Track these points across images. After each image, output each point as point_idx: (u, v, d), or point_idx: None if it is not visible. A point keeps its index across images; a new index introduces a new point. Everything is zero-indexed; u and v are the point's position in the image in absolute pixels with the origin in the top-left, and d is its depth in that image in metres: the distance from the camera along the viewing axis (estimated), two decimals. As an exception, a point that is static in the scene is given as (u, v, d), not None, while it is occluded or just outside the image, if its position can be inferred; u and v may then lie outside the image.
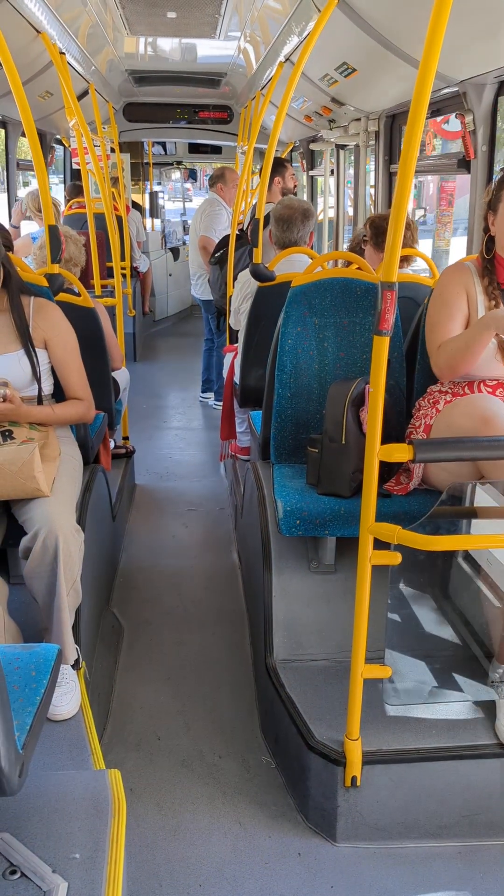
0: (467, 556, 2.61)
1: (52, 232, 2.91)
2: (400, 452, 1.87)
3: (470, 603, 2.64)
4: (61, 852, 1.51)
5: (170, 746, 2.54)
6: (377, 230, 3.55)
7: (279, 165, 5.34)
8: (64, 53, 4.24)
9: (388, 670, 2.05)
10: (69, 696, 2.25)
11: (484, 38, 2.68)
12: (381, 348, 1.81)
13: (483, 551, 2.43)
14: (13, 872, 1.45)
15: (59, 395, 2.76)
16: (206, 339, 6.66)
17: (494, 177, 3.14)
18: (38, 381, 2.63)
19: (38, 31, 3.80)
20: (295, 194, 5.48)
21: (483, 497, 2.29)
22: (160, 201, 12.01)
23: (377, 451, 1.89)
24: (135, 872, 2.02)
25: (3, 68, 2.70)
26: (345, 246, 5.78)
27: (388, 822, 2.16)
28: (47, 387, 2.70)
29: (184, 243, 10.86)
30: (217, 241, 5.75)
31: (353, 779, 2.10)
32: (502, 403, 2.22)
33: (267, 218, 4.50)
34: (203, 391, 6.85)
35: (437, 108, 3.65)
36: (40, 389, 2.65)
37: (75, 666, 2.36)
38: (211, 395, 6.71)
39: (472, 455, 2.11)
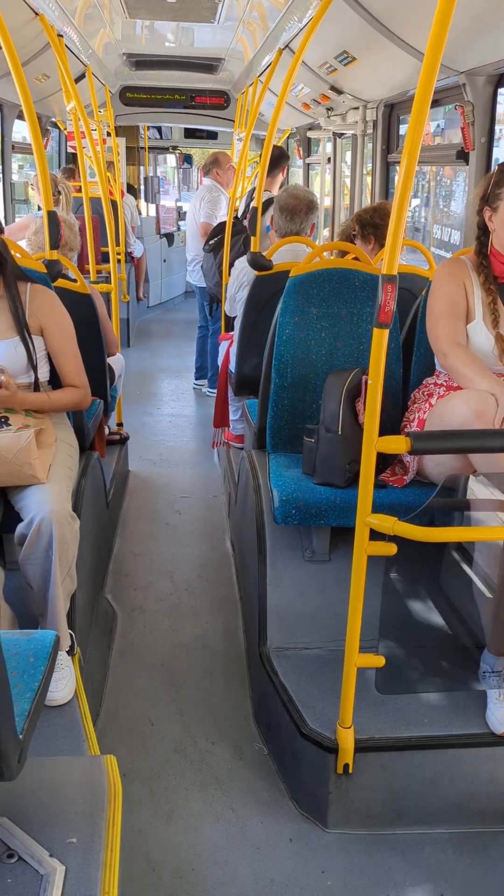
0: (459, 547, 2.63)
1: (51, 218, 2.89)
2: (397, 444, 1.88)
3: (462, 593, 2.66)
4: (58, 837, 1.52)
5: (163, 732, 2.56)
6: (363, 224, 3.58)
7: (283, 157, 5.32)
8: (62, 36, 4.20)
9: (381, 660, 2.07)
10: (64, 682, 2.26)
11: (485, 29, 2.68)
12: (381, 340, 1.82)
13: (475, 543, 2.45)
14: (10, 856, 1.47)
15: (56, 381, 2.75)
16: (201, 327, 6.65)
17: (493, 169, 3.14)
18: (35, 368, 2.62)
19: (36, 12, 3.76)
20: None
21: (477, 489, 2.31)
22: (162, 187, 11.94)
23: (375, 443, 1.90)
24: (128, 857, 2.04)
25: (3, 50, 2.67)
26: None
27: (379, 808, 2.19)
28: (43, 374, 2.70)
29: (178, 229, 10.81)
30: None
31: (346, 766, 2.13)
32: (493, 398, 2.23)
33: (265, 205, 4.49)
34: (197, 378, 6.84)
35: (437, 99, 3.64)
36: (36, 376, 2.64)
37: (70, 652, 2.37)
38: (205, 381, 6.70)
39: (468, 447, 2.13)
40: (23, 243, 3.85)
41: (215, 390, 4.75)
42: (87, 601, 2.79)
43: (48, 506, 2.26)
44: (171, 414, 6.17)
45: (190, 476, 4.86)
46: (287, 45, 4.17)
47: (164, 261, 10.43)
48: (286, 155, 5.50)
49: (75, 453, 2.71)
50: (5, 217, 5.83)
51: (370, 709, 2.24)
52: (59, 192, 5.05)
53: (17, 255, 2.73)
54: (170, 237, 10.61)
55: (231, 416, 4.50)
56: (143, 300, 9.62)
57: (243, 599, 3.24)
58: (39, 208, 5.62)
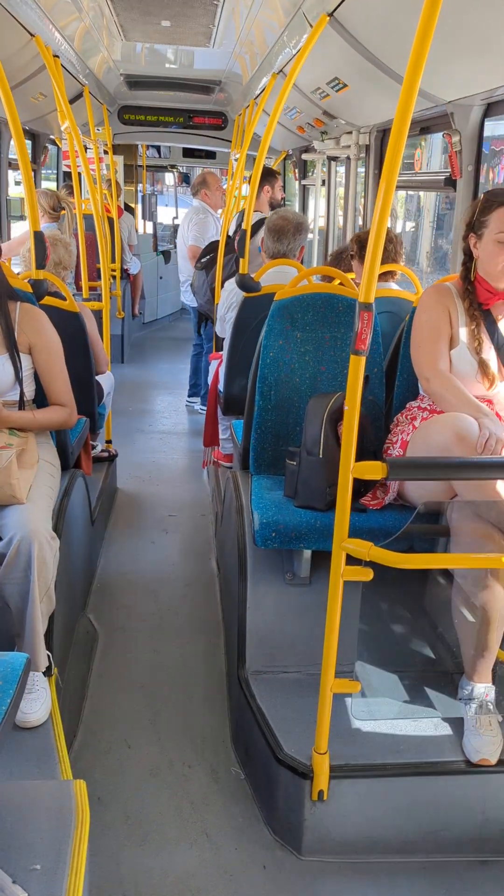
0: (442, 571, 2.63)
1: (37, 238, 2.91)
2: (373, 470, 1.89)
3: (442, 618, 2.66)
4: (22, 863, 1.51)
5: (140, 755, 2.55)
6: (361, 245, 3.61)
7: (269, 175, 5.37)
8: (58, 57, 4.24)
9: (357, 685, 2.06)
10: (39, 703, 2.25)
11: (471, 60, 2.72)
12: (358, 367, 1.83)
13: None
14: (-27, 882, 1.45)
15: (41, 399, 2.76)
16: (195, 344, 6.67)
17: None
18: (21, 385, 2.63)
19: (31, 34, 3.80)
20: (282, 205, 5.52)
21: (455, 515, 2.31)
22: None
23: (351, 468, 1.91)
24: (99, 882, 2.02)
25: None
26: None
27: (353, 836, 2.17)
28: (29, 392, 2.71)
29: (175, 247, 10.87)
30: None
31: (321, 793, 2.12)
32: (475, 423, 2.24)
33: (255, 226, 4.53)
34: (190, 395, 6.86)
35: (426, 127, 3.69)
36: (22, 394, 2.65)
37: (47, 673, 2.36)
38: (198, 399, 6.71)
39: (445, 475, 2.13)
40: (16, 259, 3.88)
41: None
42: (66, 621, 2.78)
43: (28, 525, 2.26)
44: (163, 431, 6.18)
45: (179, 494, 4.85)
46: (281, 70, 4.22)
47: (161, 278, 10.48)
48: (272, 173, 5.54)
49: (57, 472, 2.71)
50: (0, 233, 5.86)
51: (346, 734, 2.23)
52: (63, 209, 5.10)
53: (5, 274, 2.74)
54: (166, 254, 10.67)
55: (221, 435, 4.51)
56: (139, 317, 9.66)
57: (225, 621, 3.23)
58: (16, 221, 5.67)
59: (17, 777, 1.98)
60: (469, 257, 2.53)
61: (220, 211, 6.57)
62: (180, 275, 6.64)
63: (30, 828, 1.61)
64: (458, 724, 2.27)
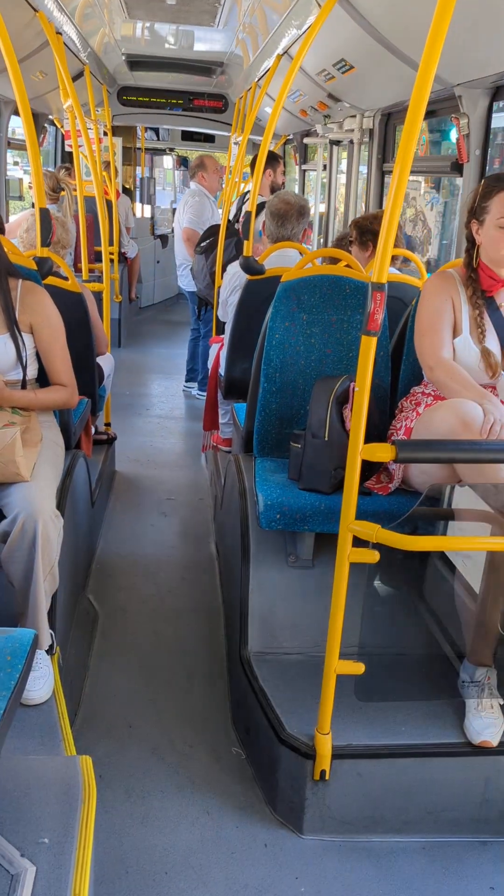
0: (443, 557, 2.64)
1: (43, 215, 2.89)
2: (382, 452, 1.89)
3: (444, 603, 2.67)
4: (30, 837, 1.51)
5: (141, 734, 2.55)
6: (362, 230, 3.60)
7: (271, 159, 5.34)
8: (60, 33, 4.19)
9: (360, 667, 2.07)
10: (42, 682, 2.25)
11: (482, 42, 2.70)
12: (369, 348, 1.82)
13: (458, 553, 2.46)
14: (-19, 856, 1.46)
15: (44, 379, 2.74)
16: (192, 329, 6.65)
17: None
18: (23, 365, 2.61)
19: (35, 9, 3.75)
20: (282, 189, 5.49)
21: (461, 499, 2.32)
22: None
23: (360, 450, 1.90)
24: (102, 858, 2.03)
25: (1, 46, 2.67)
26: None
27: (354, 816, 2.19)
28: (32, 371, 2.69)
29: (172, 231, 10.81)
30: (201, 232, 5.72)
31: (322, 773, 2.13)
32: (480, 409, 2.24)
33: (257, 209, 4.50)
34: (187, 380, 6.84)
35: (433, 110, 3.66)
36: (25, 374, 2.64)
37: (49, 651, 2.36)
38: (195, 384, 6.70)
39: (453, 457, 2.13)
40: (14, 240, 3.84)
41: (205, 393, 4.75)
42: (68, 601, 2.78)
43: (32, 504, 2.25)
44: (160, 415, 6.17)
45: (177, 478, 4.85)
46: (286, 52, 4.19)
47: (158, 262, 10.43)
48: (275, 157, 5.51)
49: (61, 452, 2.70)
50: (-1, 213, 5.81)
51: (349, 715, 2.24)
52: (62, 189, 5.05)
53: (8, 251, 2.71)
54: (164, 238, 10.61)
55: (220, 420, 4.51)
56: (136, 301, 9.61)
57: (226, 603, 3.23)
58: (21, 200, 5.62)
59: (24, 753, 1.98)
60: (472, 244, 2.52)
61: (217, 195, 6.53)
62: (177, 258, 6.61)
63: (37, 802, 1.61)
64: (459, 706, 2.29)
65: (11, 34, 2.70)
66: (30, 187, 5.64)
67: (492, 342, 2.52)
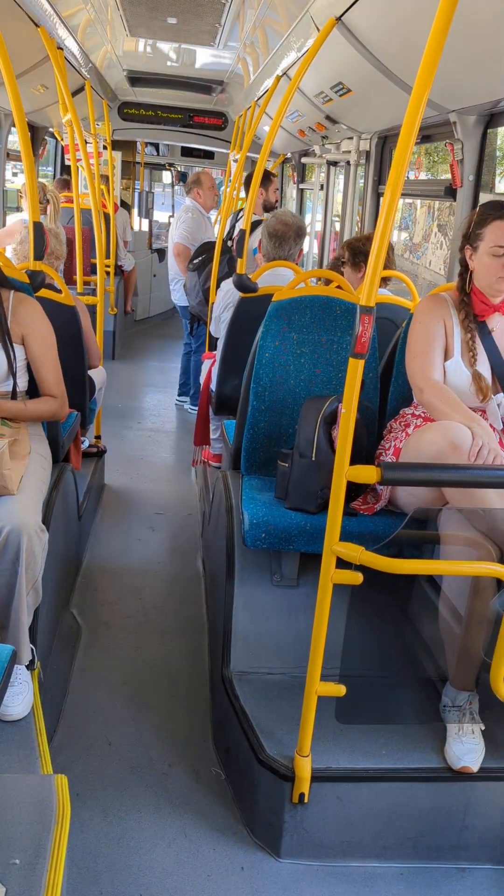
0: (429, 578, 2.63)
1: (37, 228, 2.89)
2: (368, 473, 1.89)
3: (428, 625, 2.67)
4: (1, 857, 1.49)
5: (120, 752, 2.53)
6: (354, 252, 3.62)
7: (264, 178, 5.37)
8: (62, 49, 4.22)
9: (341, 688, 2.06)
10: (21, 697, 2.23)
11: (476, 70, 2.73)
12: (356, 370, 1.83)
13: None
14: (-50, 875, 1.44)
15: (34, 391, 2.74)
16: (185, 344, 6.66)
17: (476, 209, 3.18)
18: (14, 376, 2.61)
19: (36, 24, 3.78)
20: (275, 208, 5.54)
21: (446, 523, 2.32)
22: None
23: (346, 472, 1.91)
24: (76, 878, 2.01)
25: (-1, 60, 2.69)
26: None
27: (333, 840, 2.17)
28: (22, 383, 2.69)
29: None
30: (194, 248, 5.74)
31: (301, 795, 2.11)
32: (469, 432, 2.25)
33: (253, 227, 4.52)
34: (179, 394, 6.85)
35: (428, 135, 3.70)
36: (15, 385, 2.63)
37: (30, 666, 2.34)
38: (187, 398, 6.71)
39: (439, 481, 2.13)
40: (9, 251, 3.84)
41: (197, 408, 4.75)
42: (51, 615, 2.76)
43: (17, 517, 2.24)
44: (152, 429, 6.16)
45: (166, 492, 4.84)
46: (285, 73, 4.23)
47: (154, 276, 10.46)
48: (268, 175, 5.55)
49: (48, 465, 2.70)
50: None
51: (329, 738, 2.23)
52: (48, 201, 5.06)
53: (1, 265, 2.72)
54: (161, 252, 10.65)
55: (211, 435, 4.50)
56: (131, 314, 9.63)
57: (210, 620, 3.22)
58: (17, 212, 5.63)
59: (-2, 770, 1.96)
60: (465, 269, 2.54)
61: (212, 212, 6.55)
62: (169, 273, 6.63)
63: (9, 822, 1.59)
64: (440, 730, 2.27)
65: (12, 48, 2.72)
66: (19, 195, 5.67)
67: (483, 366, 2.54)
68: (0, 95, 4.76)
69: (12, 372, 2.60)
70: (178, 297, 6.43)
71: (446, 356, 2.54)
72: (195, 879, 2.09)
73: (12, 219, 5.88)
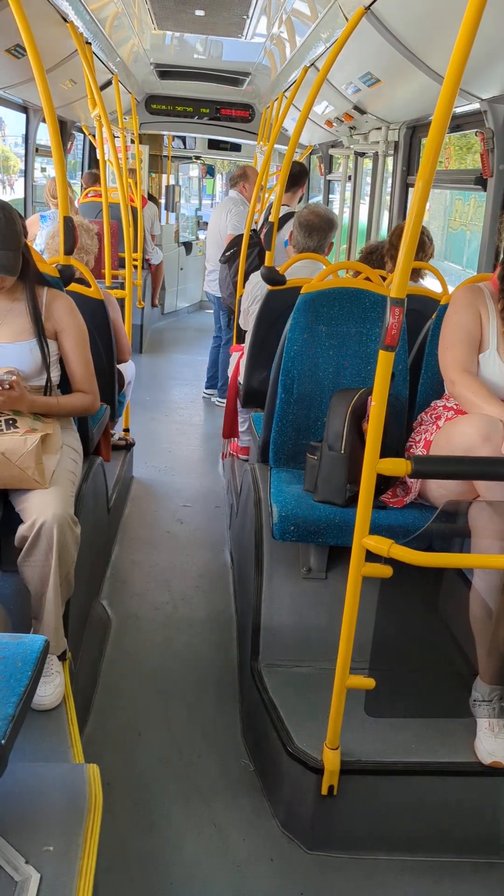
0: (459, 571, 2.61)
1: (67, 223, 2.91)
2: (398, 466, 1.88)
3: (458, 619, 2.65)
4: (36, 844, 1.52)
5: (150, 743, 2.56)
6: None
7: (303, 173, 5.33)
8: (90, 43, 4.24)
9: (371, 682, 2.06)
10: (53, 687, 2.26)
11: (509, 57, 2.69)
12: (387, 363, 1.81)
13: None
14: (-14, 861, 1.46)
15: (65, 385, 2.76)
16: (215, 336, 6.66)
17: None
18: (48, 371, 2.64)
19: (65, 19, 3.80)
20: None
21: (478, 516, 2.30)
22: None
23: (376, 465, 1.90)
24: (106, 867, 2.03)
25: (29, 55, 2.70)
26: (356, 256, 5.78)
27: (361, 833, 2.17)
28: (55, 377, 2.71)
29: (197, 238, 10.86)
30: None
31: (331, 788, 2.11)
32: (501, 424, 2.22)
33: (282, 220, 4.51)
34: (207, 387, 6.86)
35: (458, 125, 3.66)
36: (49, 379, 2.66)
37: (62, 657, 2.37)
38: (215, 391, 6.72)
39: (469, 473, 2.12)
40: (40, 244, 3.88)
41: (225, 400, 4.76)
42: (82, 606, 2.79)
43: (50, 510, 2.27)
44: (180, 422, 6.18)
45: (194, 485, 4.86)
46: (313, 64, 4.20)
47: (181, 269, 10.48)
48: (306, 171, 5.54)
49: (79, 458, 2.72)
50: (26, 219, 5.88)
51: (358, 731, 2.23)
52: (54, 197, 5.09)
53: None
54: (188, 246, 10.66)
55: (239, 428, 4.51)
56: (158, 307, 9.66)
57: (238, 613, 3.23)
58: (44, 208, 5.65)
59: (31, 759, 1.99)
60: None
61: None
62: (207, 263, 6.61)
63: (43, 810, 1.62)
64: (470, 725, 2.26)
65: (41, 44, 2.74)
66: (53, 196, 5.70)
67: None
68: (29, 90, 4.80)
69: (46, 366, 2.63)
70: (215, 288, 6.41)
71: (481, 348, 2.50)
72: (224, 870, 2.10)
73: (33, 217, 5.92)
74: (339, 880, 2.10)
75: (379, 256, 3.77)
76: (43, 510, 2.25)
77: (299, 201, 5.41)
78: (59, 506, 2.29)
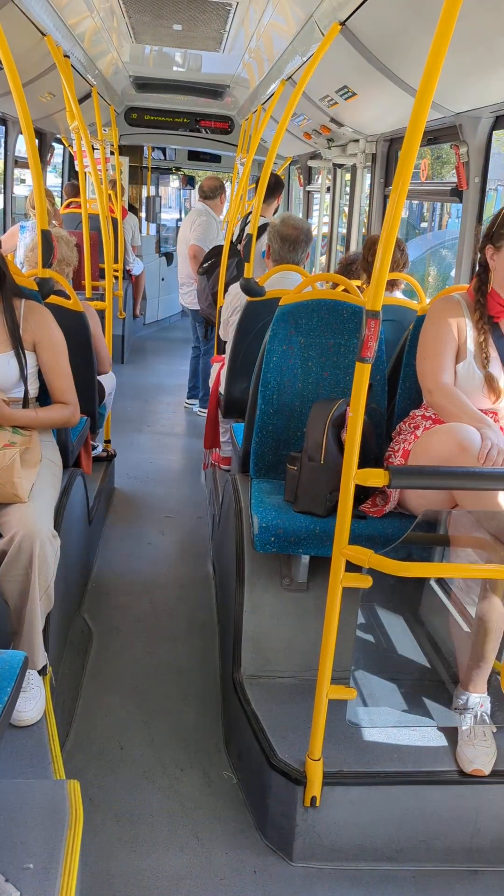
0: (439, 581, 2.63)
1: (45, 236, 2.91)
2: (376, 477, 1.89)
3: (439, 627, 2.67)
4: (15, 861, 1.50)
5: (132, 757, 2.54)
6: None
7: (279, 185, 5.38)
8: (68, 56, 4.25)
9: (352, 692, 2.07)
10: (34, 703, 2.24)
11: (481, 72, 2.73)
12: (363, 374, 1.83)
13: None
14: (-35, 880, 1.45)
15: (44, 398, 2.76)
16: (194, 347, 6.68)
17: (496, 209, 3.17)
18: (26, 383, 2.63)
19: (43, 33, 3.81)
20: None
21: (456, 525, 2.32)
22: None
23: (353, 475, 1.91)
24: (89, 882, 2.02)
25: (5, 68, 2.71)
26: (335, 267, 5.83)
27: (345, 843, 2.17)
28: (33, 390, 2.71)
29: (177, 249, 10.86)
30: (207, 250, 5.78)
31: (313, 799, 2.11)
32: (478, 434, 2.24)
33: (259, 231, 4.53)
34: (188, 397, 6.87)
35: (434, 138, 3.70)
36: (27, 391, 2.65)
37: (42, 672, 2.35)
38: (196, 401, 6.73)
39: (447, 484, 2.14)
40: (19, 257, 3.86)
41: (206, 410, 4.77)
42: (62, 620, 2.77)
43: (30, 524, 2.26)
44: (161, 432, 6.18)
45: (176, 496, 4.85)
46: (290, 77, 4.24)
47: (163, 279, 10.50)
48: (282, 184, 5.58)
49: (59, 471, 2.71)
50: (5, 231, 5.86)
51: (341, 741, 2.23)
52: (34, 208, 5.09)
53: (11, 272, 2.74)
54: (169, 256, 10.68)
55: (221, 438, 4.51)
56: (140, 318, 9.66)
57: (221, 624, 3.22)
58: (24, 219, 5.65)
59: (11, 775, 1.97)
60: (484, 269, 2.50)
61: (221, 216, 6.58)
62: (180, 276, 6.64)
63: (23, 827, 1.60)
64: (452, 733, 2.27)
65: (19, 57, 2.74)
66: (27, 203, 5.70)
67: (496, 368, 2.52)
68: (7, 102, 4.80)
69: (23, 378, 2.62)
70: (189, 300, 6.44)
71: (458, 358, 2.53)
72: (208, 883, 2.09)
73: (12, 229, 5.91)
74: (323, 891, 2.09)
75: (357, 268, 3.80)
76: (22, 525, 2.24)
77: (274, 213, 5.45)
78: (39, 520, 2.28)
